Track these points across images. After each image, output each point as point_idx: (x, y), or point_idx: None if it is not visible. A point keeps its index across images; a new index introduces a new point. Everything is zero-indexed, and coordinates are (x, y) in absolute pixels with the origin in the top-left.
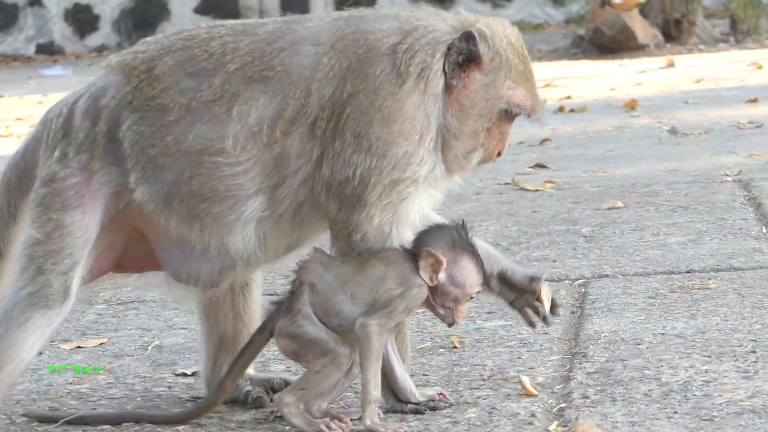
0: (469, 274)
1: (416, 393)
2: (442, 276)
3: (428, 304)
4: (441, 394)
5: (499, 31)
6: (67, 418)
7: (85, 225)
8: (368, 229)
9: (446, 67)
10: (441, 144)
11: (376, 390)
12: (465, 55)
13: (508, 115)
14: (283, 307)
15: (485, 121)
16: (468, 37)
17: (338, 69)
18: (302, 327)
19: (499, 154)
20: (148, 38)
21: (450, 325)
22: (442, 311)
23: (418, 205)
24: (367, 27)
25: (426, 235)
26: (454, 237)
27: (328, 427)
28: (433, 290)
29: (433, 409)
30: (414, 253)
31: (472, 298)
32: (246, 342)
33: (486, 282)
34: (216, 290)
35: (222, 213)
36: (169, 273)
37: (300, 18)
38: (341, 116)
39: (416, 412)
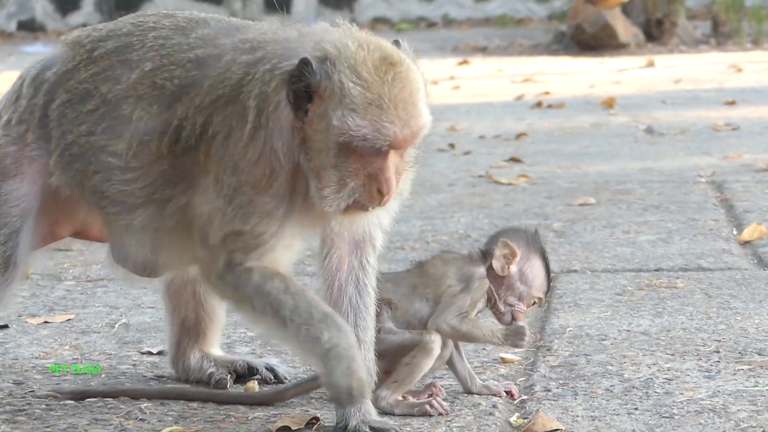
0: (538, 274)
1: (477, 382)
2: (513, 268)
3: (490, 300)
4: (508, 392)
5: (348, 53)
6: (160, 394)
7: (23, 194)
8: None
9: (290, 98)
10: (300, 183)
11: (496, 336)
12: (305, 83)
13: (363, 149)
14: None
15: (328, 157)
16: (303, 63)
17: (209, 101)
18: (386, 341)
19: (381, 194)
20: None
21: (507, 324)
22: (502, 308)
23: (285, 247)
24: (248, 56)
25: (503, 232)
26: (529, 238)
27: (431, 406)
28: (500, 283)
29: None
30: (483, 252)
31: (534, 303)
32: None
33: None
34: (153, 279)
35: (117, 215)
36: (110, 251)
37: (238, 26)
38: (208, 153)
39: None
